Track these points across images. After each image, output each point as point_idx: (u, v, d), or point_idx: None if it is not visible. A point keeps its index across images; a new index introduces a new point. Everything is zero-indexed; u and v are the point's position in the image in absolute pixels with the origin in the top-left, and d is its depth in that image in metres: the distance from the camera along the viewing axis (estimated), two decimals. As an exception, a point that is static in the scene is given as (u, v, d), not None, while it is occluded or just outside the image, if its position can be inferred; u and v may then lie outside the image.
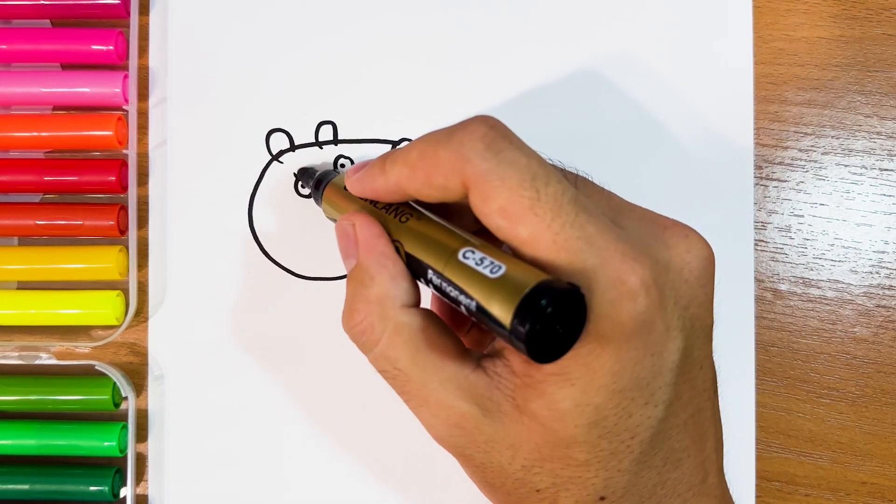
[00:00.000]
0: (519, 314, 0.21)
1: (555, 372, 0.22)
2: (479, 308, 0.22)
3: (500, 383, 0.24)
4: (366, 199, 0.28)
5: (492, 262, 0.22)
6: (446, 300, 0.24)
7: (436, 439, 0.25)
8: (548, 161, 0.24)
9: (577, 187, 0.25)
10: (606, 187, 0.26)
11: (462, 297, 0.23)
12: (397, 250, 0.26)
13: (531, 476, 0.24)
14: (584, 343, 0.22)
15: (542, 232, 0.22)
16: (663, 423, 0.23)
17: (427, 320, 0.25)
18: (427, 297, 0.27)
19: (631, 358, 0.22)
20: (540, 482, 0.24)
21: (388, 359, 0.25)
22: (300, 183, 0.35)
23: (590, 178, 0.26)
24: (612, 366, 0.22)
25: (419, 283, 0.26)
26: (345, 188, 0.29)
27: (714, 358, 0.25)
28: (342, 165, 0.35)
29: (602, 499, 0.23)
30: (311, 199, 0.35)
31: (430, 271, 0.24)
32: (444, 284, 0.24)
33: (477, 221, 0.24)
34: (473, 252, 0.23)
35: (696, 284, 0.24)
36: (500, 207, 0.22)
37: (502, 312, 0.21)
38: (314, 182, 0.32)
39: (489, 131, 0.23)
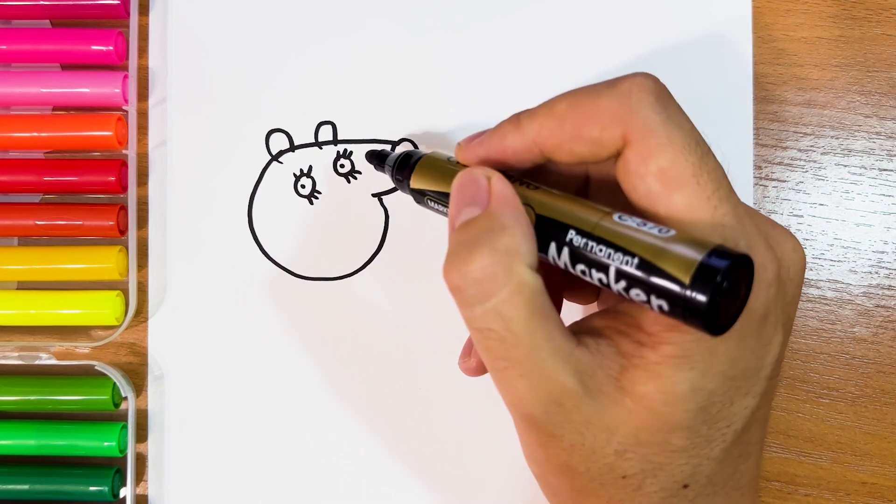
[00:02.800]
0: (701, 277, 0.19)
1: (675, 354, 0.21)
2: (643, 269, 0.20)
3: (603, 363, 0.22)
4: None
5: (656, 226, 0.21)
6: (581, 268, 0.22)
7: (522, 415, 0.23)
8: None
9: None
10: None
11: (618, 256, 0.21)
12: None
13: (622, 461, 0.22)
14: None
15: (700, 203, 0.21)
16: (754, 415, 0.23)
17: (543, 285, 0.23)
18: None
19: (749, 347, 0.22)
20: (629, 468, 0.23)
21: (502, 316, 0.22)
22: (374, 164, 0.33)
23: None
24: (733, 352, 0.21)
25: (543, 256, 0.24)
26: (446, 160, 0.27)
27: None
28: (342, 165, 0.35)
29: (685, 486, 0.23)
30: (306, 200, 0.35)
31: (572, 232, 0.22)
32: (593, 245, 0.22)
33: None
34: (628, 216, 0.22)
35: (795, 284, 0.24)
36: (662, 169, 0.21)
37: (678, 273, 0.19)
38: (398, 160, 0.30)
39: (656, 86, 0.22)
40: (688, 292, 0.19)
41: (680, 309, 0.20)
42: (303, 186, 0.35)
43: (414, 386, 0.35)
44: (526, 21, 0.35)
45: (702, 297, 0.19)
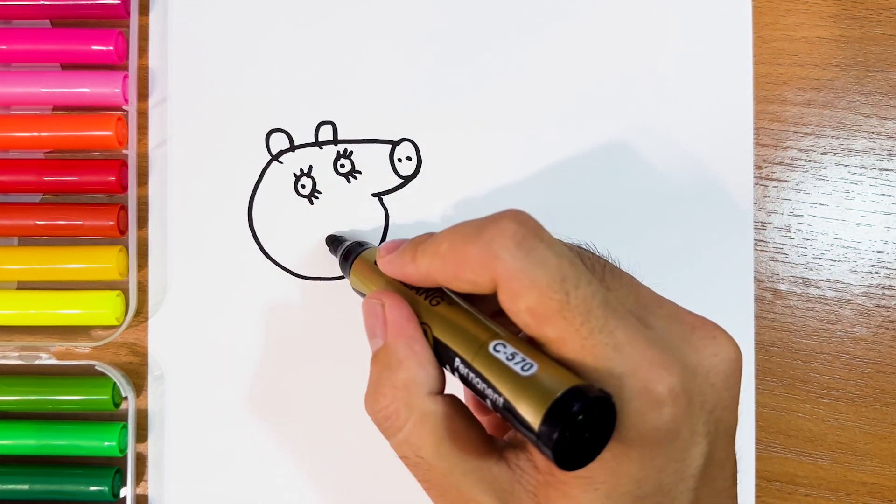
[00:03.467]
0: (548, 419, 0.20)
1: (579, 475, 0.22)
2: (507, 406, 0.22)
3: (522, 478, 0.23)
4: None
5: (523, 359, 0.22)
6: (471, 391, 0.23)
7: None
8: (577, 252, 0.24)
9: (605, 278, 0.25)
10: (632, 272, 0.26)
11: (489, 391, 0.22)
12: (425, 333, 0.25)
13: None
14: (609, 448, 0.21)
15: (570, 335, 0.22)
16: None
17: (452, 408, 0.24)
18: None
19: (656, 465, 0.22)
20: None
21: (411, 446, 0.24)
22: (329, 249, 0.35)
23: (618, 265, 0.26)
24: (637, 472, 0.22)
25: (445, 369, 0.25)
26: (375, 263, 0.28)
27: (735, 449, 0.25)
28: (342, 165, 0.35)
29: None
30: (306, 200, 0.35)
31: (457, 360, 0.24)
32: (472, 375, 0.23)
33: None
34: (504, 346, 0.23)
35: (722, 388, 0.23)
36: (529, 307, 0.22)
37: (531, 414, 0.21)
38: (342, 253, 0.32)
39: (519, 228, 0.23)
40: (539, 432, 0.21)
41: (539, 446, 0.21)
42: (303, 186, 0.35)
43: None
44: (525, 21, 0.35)
45: (550, 437, 0.20)
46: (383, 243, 0.29)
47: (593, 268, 0.25)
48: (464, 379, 0.24)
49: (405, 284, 0.27)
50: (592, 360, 0.21)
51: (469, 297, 0.25)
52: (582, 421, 0.20)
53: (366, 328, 0.27)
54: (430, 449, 0.24)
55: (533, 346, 0.23)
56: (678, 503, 0.23)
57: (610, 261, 0.26)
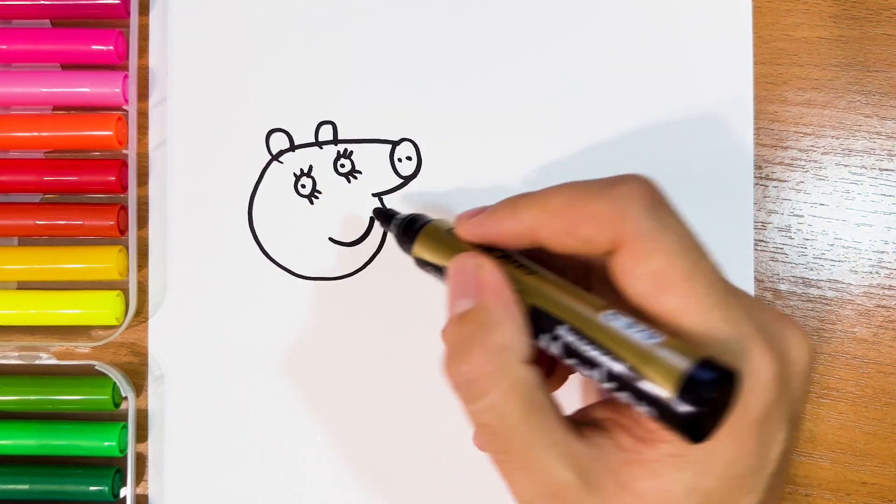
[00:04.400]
0: (685, 390, 0.20)
1: (672, 453, 0.22)
2: (627, 376, 0.21)
3: (602, 456, 0.23)
4: (476, 247, 0.26)
5: (644, 328, 0.21)
6: (572, 362, 0.23)
7: None
8: None
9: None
10: None
11: (606, 360, 0.21)
12: None
13: None
14: None
15: (692, 305, 0.21)
16: None
17: (538, 379, 0.23)
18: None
19: (749, 448, 0.22)
20: None
21: (497, 413, 0.23)
22: (375, 221, 0.34)
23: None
24: (731, 453, 0.22)
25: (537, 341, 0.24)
26: (447, 232, 0.27)
27: None
28: (342, 165, 0.35)
29: None
30: (306, 200, 0.35)
31: (562, 328, 0.23)
32: (583, 344, 0.22)
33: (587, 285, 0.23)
34: (617, 315, 0.22)
35: (801, 379, 0.24)
36: (653, 272, 0.21)
37: (663, 384, 0.20)
38: (403, 223, 0.30)
39: (650, 191, 0.22)
40: (672, 404, 0.20)
41: (664, 417, 0.20)
42: (303, 186, 0.35)
43: (414, 386, 0.35)
44: (525, 21, 0.35)
45: (685, 410, 0.20)
46: (464, 211, 0.27)
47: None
48: (568, 349, 0.22)
49: (488, 251, 0.25)
50: (712, 334, 0.21)
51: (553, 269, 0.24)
52: (712, 396, 0.20)
53: (452, 288, 0.25)
54: (517, 418, 0.22)
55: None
56: (759, 486, 0.23)
57: None
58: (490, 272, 0.24)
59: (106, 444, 0.34)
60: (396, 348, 0.35)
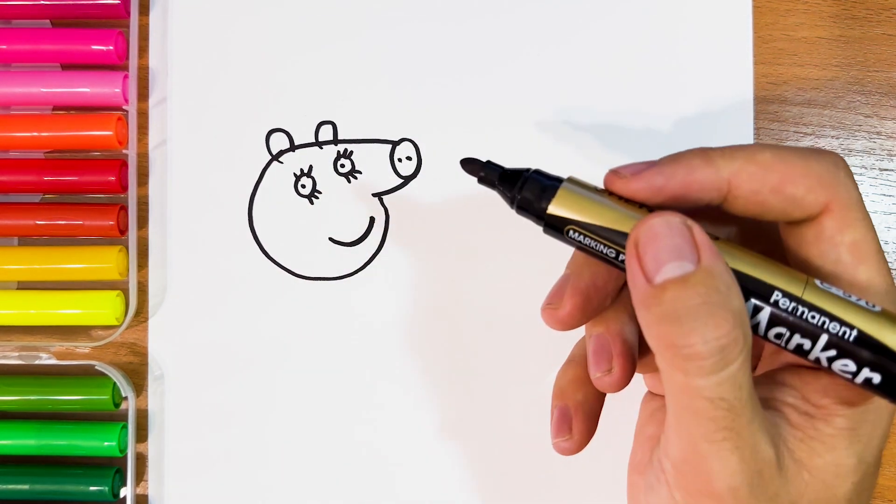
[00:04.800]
0: None
1: (847, 427, 0.22)
2: (860, 339, 0.21)
3: (780, 434, 0.22)
4: (639, 207, 0.23)
5: (860, 298, 0.22)
6: (777, 332, 0.22)
7: (723, 488, 0.22)
8: None
9: None
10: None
11: (833, 326, 0.21)
12: None
13: None
14: (873, 399, 0.22)
15: (880, 280, 0.22)
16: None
17: None
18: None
19: (888, 426, 0.23)
20: None
21: (737, 383, 0.21)
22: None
23: None
24: (885, 429, 0.22)
25: None
26: (597, 190, 0.24)
27: None
28: (342, 165, 0.35)
29: None
30: (306, 200, 0.35)
31: (777, 294, 0.21)
32: (804, 312, 0.21)
33: None
34: (829, 286, 0.22)
35: None
36: (855, 241, 0.22)
37: None
38: (526, 179, 0.25)
39: (848, 168, 0.23)
40: None
41: (888, 383, 0.21)
42: (303, 186, 0.35)
43: (414, 385, 0.35)
44: (524, 22, 0.35)
45: None
46: (618, 166, 0.24)
47: None
48: (779, 318, 0.22)
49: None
50: (892, 308, 0.22)
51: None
52: None
53: (656, 251, 0.21)
54: (748, 388, 0.21)
55: None
56: (876, 469, 0.23)
57: None
58: (701, 232, 0.22)
59: (106, 444, 0.34)
60: (396, 348, 0.35)
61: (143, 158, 0.36)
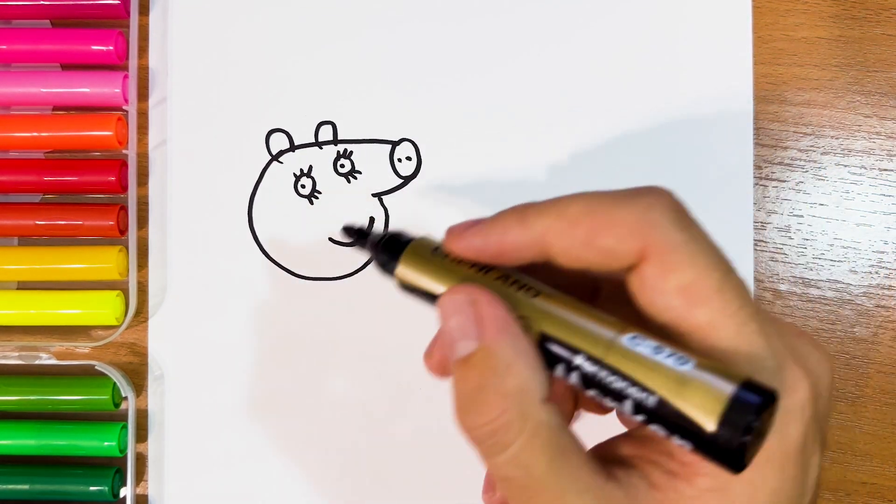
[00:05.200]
0: (728, 419, 0.18)
1: (712, 488, 0.20)
2: (659, 408, 0.19)
3: (637, 497, 0.21)
4: (470, 267, 0.23)
5: (673, 352, 0.19)
6: (594, 393, 0.21)
7: None
8: None
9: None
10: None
11: (633, 391, 0.19)
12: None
13: None
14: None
15: (725, 320, 0.20)
16: None
17: (560, 418, 0.21)
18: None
19: (791, 475, 0.20)
20: None
21: (522, 464, 0.20)
22: (349, 241, 0.27)
23: None
24: (774, 483, 0.20)
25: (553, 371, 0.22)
26: (436, 251, 0.23)
27: None
28: (342, 165, 0.35)
29: None
30: (306, 200, 0.35)
31: (580, 357, 0.20)
32: (605, 375, 0.20)
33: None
34: (642, 337, 0.20)
35: (826, 397, 0.22)
36: (683, 285, 0.20)
37: (702, 414, 0.18)
38: (382, 242, 0.25)
39: (676, 203, 0.21)
40: (714, 434, 0.18)
41: (704, 448, 0.19)
42: (303, 186, 0.35)
43: (414, 386, 0.35)
44: (524, 22, 0.35)
45: (730, 439, 0.18)
46: (452, 225, 0.24)
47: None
48: (588, 380, 0.20)
49: (485, 272, 0.22)
50: (747, 349, 0.20)
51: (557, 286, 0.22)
52: (757, 423, 0.18)
53: (448, 329, 0.22)
54: (544, 466, 0.20)
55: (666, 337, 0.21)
56: None
57: None
58: (489, 305, 0.22)
59: (106, 444, 0.34)
60: (396, 348, 0.35)
61: (143, 158, 0.36)
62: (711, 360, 0.19)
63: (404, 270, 0.24)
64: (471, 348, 0.21)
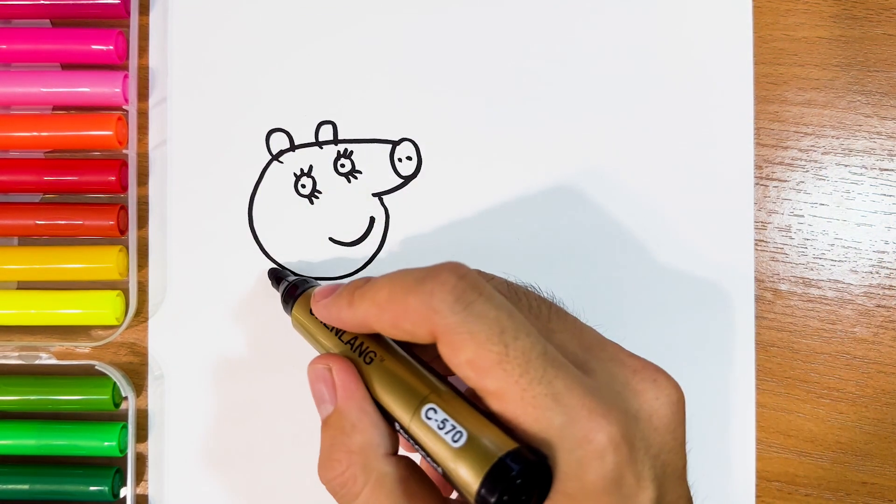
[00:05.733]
0: (485, 487, 0.21)
1: None
2: (444, 472, 0.22)
3: None
4: (332, 329, 0.28)
5: (454, 427, 0.22)
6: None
7: None
8: (521, 296, 0.25)
9: (551, 319, 0.25)
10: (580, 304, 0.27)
11: (429, 458, 0.23)
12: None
13: None
14: (554, 503, 0.22)
15: (509, 387, 0.22)
16: None
17: (408, 469, 0.25)
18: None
19: None
20: None
21: None
22: (271, 284, 0.34)
23: (563, 307, 0.26)
24: None
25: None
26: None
27: (689, 483, 0.25)
28: (342, 165, 0.35)
29: None
30: (306, 200, 0.36)
31: (395, 423, 0.24)
32: (412, 442, 0.24)
33: None
34: (436, 411, 0.23)
35: (665, 431, 0.24)
36: (469, 360, 0.22)
37: (467, 482, 0.21)
38: (284, 290, 0.32)
39: (459, 282, 0.23)
40: (477, 500, 0.21)
41: None
42: (303, 186, 0.35)
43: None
44: (524, 22, 0.35)
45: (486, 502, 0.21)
46: (319, 287, 0.29)
47: (539, 310, 0.25)
48: (408, 439, 0.24)
49: (341, 335, 0.27)
50: (532, 412, 0.22)
51: (410, 344, 0.25)
52: (520, 485, 0.21)
53: (313, 395, 0.27)
54: None
55: (474, 398, 0.23)
56: None
57: (555, 302, 0.26)
58: (338, 373, 0.26)
59: (106, 444, 0.34)
60: (396, 348, 0.35)
61: (143, 158, 0.36)
62: (489, 428, 0.22)
63: (294, 319, 0.30)
64: (328, 411, 0.26)
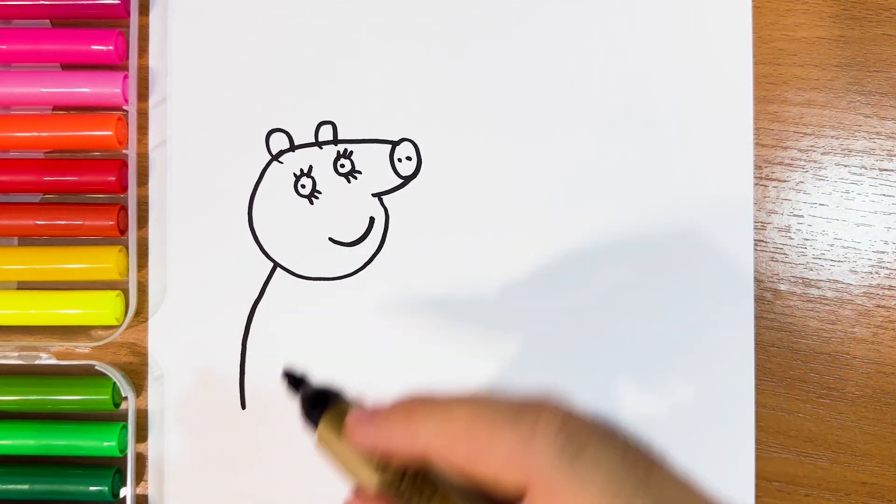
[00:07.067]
0: None
1: None
2: None
3: None
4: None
5: None
6: None
7: None
8: (623, 447, 0.20)
9: (651, 473, 0.20)
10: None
11: None
12: None
13: None
14: None
15: None
16: None
17: None
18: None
19: None
20: None
21: None
22: (288, 386, 0.27)
23: (665, 463, 0.21)
24: None
25: None
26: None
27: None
28: (342, 165, 0.35)
29: None
30: (306, 200, 0.35)
31: None
32: None
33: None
34: None
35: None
36: None
37: None
38: (308, 401, 0.25)
39: (564, 427, 0.19)
40: None
41: None
42: (303, 186, 0.35)
43: (413, 385, 0.35)
44: (524, 22, 0.35)
45: None
46: (356, 407, 0.23)
47: (635, 462, 0.20)
48: None
49: (385, 467, 0.22)
50: None
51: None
52: None
53: None
54: None
55: None
56: None
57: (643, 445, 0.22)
58: None
59: (106, 444, 0.34)
60: (396, 348, 0.35)
61: (143, 158, 0.36)
62: None
63: (321, 440, 0.24)
64: None
